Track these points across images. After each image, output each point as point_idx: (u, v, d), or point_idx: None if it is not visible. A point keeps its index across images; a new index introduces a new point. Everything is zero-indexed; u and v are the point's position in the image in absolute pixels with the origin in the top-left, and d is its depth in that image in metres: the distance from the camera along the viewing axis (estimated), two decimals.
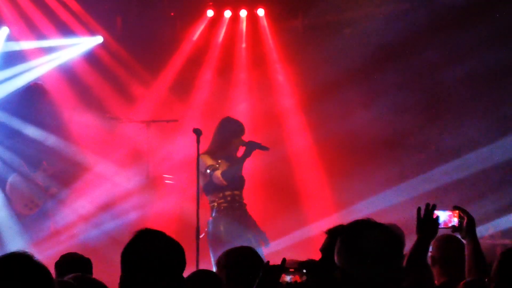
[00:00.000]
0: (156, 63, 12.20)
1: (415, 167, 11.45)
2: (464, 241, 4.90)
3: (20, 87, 11.00)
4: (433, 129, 11.60)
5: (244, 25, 12.39)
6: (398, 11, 11.71)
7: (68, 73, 11.82)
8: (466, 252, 4.84)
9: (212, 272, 4.88)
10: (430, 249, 5.26)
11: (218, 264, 5.04)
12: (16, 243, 9.76)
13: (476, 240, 4.79)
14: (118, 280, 3.72)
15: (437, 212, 4.55)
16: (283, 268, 4.06)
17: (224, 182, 8.94)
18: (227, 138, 9.06)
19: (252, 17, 12.35)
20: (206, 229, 8.95)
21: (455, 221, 4.75)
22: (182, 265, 3.68)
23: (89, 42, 11.96)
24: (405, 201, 10.50)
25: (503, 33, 10.95)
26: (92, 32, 11.95)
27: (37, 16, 11.59)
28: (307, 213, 11.37)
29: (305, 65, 11.99)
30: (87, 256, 5.51)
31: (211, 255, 8.77)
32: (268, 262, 4.17)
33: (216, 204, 9.03)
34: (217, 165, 8.94)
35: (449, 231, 4.91)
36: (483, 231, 10.11)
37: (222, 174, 8.90)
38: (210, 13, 12.32)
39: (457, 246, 5.39)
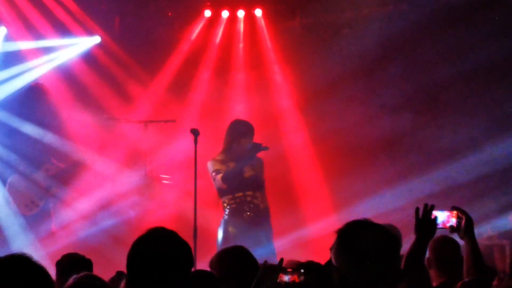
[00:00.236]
0: (154, 63, 12.19)
1: (413, 166, 11.45)
2: (461, 242, 4.90)
3: (21, 87, 10.99)
4: (432, 128, 11.60)
5: (241, 25, 12.39)
6: (396, 11, 11.71)
7: (66, 73, 11.81)
8: (464, 253, 4.84)
9: (209, 272, 4.87)
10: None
11: (210, 265, 5.03)
12: (18, 242, 9.76)
13: (474, 240, 4.78)
14: None
15: (435, 213, 4.55)
16: (280, 268, 4.06)
17: (224, 186, 9.01)
18: (236, 140, 9.13)
19: (250, 17, 12.35)
20: (217, 230, 9.04)
21: (453, 221, 4.75)
22: (190, 263, 3.68)
23: (87, 42, 11.95)
24: (402, 201, 10.50)
25: (501, 32, 10.95)
26: (90, 32, 11.95)
27: (35, 16, 11.59)
28: (304, 213, 11.37)
29: (303, 65, 12.00)
30: (86, 254, 5.51)
31: None
32: (266, 261, 4.17)
33: (226, 205, 9.11)
34: (222, 169, 9.01)
35: (446, 232, 4.91)
36: (481, 232, 10.11)
37: (222, 177, 8.98)
38: (207, 13, 12.32)
39: (453, 247, 5.39)
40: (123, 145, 11.58)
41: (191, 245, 8.16)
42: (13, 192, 10.10)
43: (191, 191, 8.54)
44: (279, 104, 12.22)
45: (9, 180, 10.09)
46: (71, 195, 10.53)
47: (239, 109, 12.01)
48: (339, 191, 11.34)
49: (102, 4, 12.03)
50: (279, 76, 12.28)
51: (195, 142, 8.58)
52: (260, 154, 9.23)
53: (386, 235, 3.69)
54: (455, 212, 4.77)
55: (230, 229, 8.98)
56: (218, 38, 12.37)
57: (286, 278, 4.05)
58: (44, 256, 8.66)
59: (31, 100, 10.16)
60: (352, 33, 11.91)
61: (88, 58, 11.97)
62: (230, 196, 9.10)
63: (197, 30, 12.36)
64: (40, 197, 10.05)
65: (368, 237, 3.66)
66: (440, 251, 5.52)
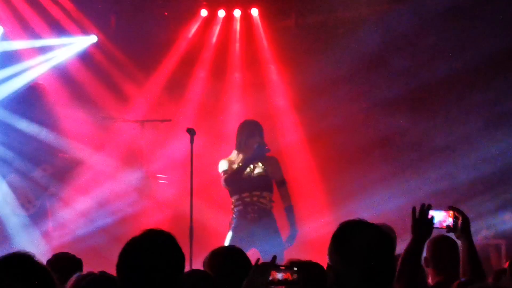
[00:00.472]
0: (150, 63, 12.19)
1: (408, 165, 11.46)
2: (458, 241, 4.90)
3: (19, 87, 10.97)
4: (427, 127, 11.61)
5: (238, 25, 12.38)
6: (391, 11, 11.71)
7: (61, 73, 11.79)
8: (461, 252, 4.84)
9: (205, 272, 4.86)
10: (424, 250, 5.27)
11: (203, 264, 5.03)
12: (20, 239, 9.76)
13: (471, 240, 4.78)
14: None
15: (432, 212, 4.55)
16: (273, 265, 4.05)
17: (226, 186, 9.07)
18: (244, 140, 9.14)
19: (246, 16, 12.35)
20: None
21: (450, 221, 4.74)
22: (181, 267, 3.68)
23: (83, 41, 11.94)
24: (398, 199, 10.50)
25: (497, 30, 10.96)
26: (85, 32, 11.94)
27: (31, 16, 11.57)
28: (300, 212, 11.34)
29: (299, 65, 12.00)
30: (83, 253, 5.50)
31: None
32: (258, 259, 4.16)
33: (233, 207, 9.15)
34: (228, 170, 9.04)
35: (443, 232, 4.90)
36: (477, 231, 10.12)
37: (224, 179, 9.02)
38: (204, 12, 12.32)
39: (450, 247, 5.39)
40: (119, 144, 11.58)
41: (187, 244, 8.22)
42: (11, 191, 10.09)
43: (187, 191, 8.54)
44: (275, 103, 12.22)
45: (6, 179, 10.08)
46: (68, 194, 10.52)
47: (235, 108, 12.02)
48: (335, 190, 11.35)
49: (98, 3, 12.01)
50: (275, 75, 12.29)
51: (191, 141, 8.58)
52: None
53: (380, 235, 3.69)
54: (451, 211, 4.76)
55: (235, 232, 9.00)
56: (214, 38, 12.37)
57: (279, 275, 4.03)
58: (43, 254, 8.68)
59: (30, 100, 10.15)
60: (348, 32, 11.92)
61: (84, 57, 11.96)
62: (237, 197, 9.11)
63: (193, 29, 12.36)
64: (37, 197, 10.03)
65: (363, 237, 3.65)
66: (438, 251, 5.52)
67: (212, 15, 12.34)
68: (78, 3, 11.74)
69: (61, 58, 11.79)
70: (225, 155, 9.36)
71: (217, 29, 12.39)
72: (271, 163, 9.27)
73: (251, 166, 9.09)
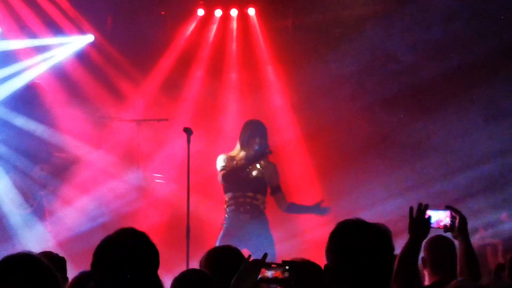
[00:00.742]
0: (147, 62, 12.18)
1: (406, 164, 11.46)
2: (455, 241, 4.90)
3: (17, 87, 10.96)
4: (424, 125, 11.61)
5: (234, 24, 12.38)
6: (388, 11, 11.72)
7: (58, 72, 11.78)
8: (458, 252, 4.84)
9: (202, 271, 4.85)
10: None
11: (200, 264, 5.02)
12: (25, 236, 9.77)
13: (468, 239, 4.79)
14: None
15: (429, 212, 4.55)
16: (263, 263, 4.04)
17: (223, 183, 9.08)
18: (246, 140, 9.16)
19: (243, 16, 12.34)
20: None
21: (447, 220, 4.75)
22: (155, 265, 3.68)
23: (80, 41, 11.93)
24: (396, 199, 10.51)
25: (495, 27, 10.97)
26: (82, 31, 11.92)
27: (28, 15, 11.55)
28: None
29: (296, 64, 12.00)
30: (80, 252, 5.48)
31: None
32: (250, 256, 4.15)
33: (226, 206, 9.20)
34: (227, 166, 9.06)
35: (440, 231, 4.91)
36: (474, 231, 10.12)
37: (223, 175, 9.03)
38: (200, 12, 12.31)
39: (447, 246, 5.39)
40: (116, 143, 11.57)
41: (184, 243, 8.21)
42: None
43: (184, 190, 8.53)
44: (271, 102, 12.21)
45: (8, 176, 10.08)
46: (66, 193, 10.52)
47: (232, 108, 12.01)
48: (332, 189, 11.34)
49: (94, 3, 11.99)
50: (272, 75, 12.28)
51: (188, 141, 8.58)
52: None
53: (378, 235, 3.68)
54: (449, 211, 4.77)
55: (228, 232, 9.01)
56: (211, 37, 12.36)
57: (268, 273, 4.02)
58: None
59: (27, 99, 10.14)
60: (345, 32, 11.91)
61: (81, 56, 11.95)
62: (230, 195, 9.13)
63: (190, 29, 12.35)
64: (34, 196, 10.02)
65: (360, 236, 3.65)
66: (435, 250, 5.52)
67: (209, 14, 12.33)
68: (74, 3, 11.72)
69: (58, 58, 11.78)
70: (222, 153, 9.36)
71: (213, 28, 12.38)
72: (270, 168, 9.31)
73: (249, 167, 9.11)
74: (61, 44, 11.84)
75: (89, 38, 11.97)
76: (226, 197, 9.18)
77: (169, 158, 11.46)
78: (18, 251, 3.25)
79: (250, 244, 8.67)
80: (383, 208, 10.49)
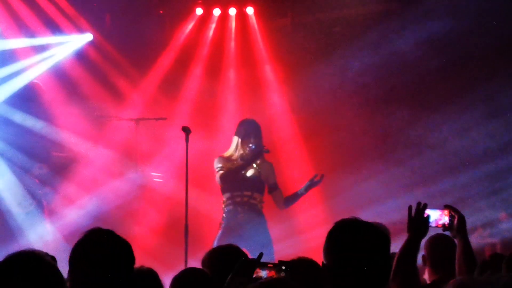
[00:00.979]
0: (145, 61, 12.18)
1: (405, 163, 11.47)
2: (455, 240, 4.90)
3: (17, 87, 10.96)
4: (423, 124, 11.61)
5: (233, 23, 12.37)
6: (387, 10, 11.72)
7: (56, 71, 11.77)
8: (457, 251, 4.85)
9: (201, 270, 4.85)
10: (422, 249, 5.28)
11: (202, 263, 5.02)
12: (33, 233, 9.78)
13: (466, 238, 4.79)
14: None
15: (428, 211, 4.56)
16: (258, 262, 4.04)
17: (221, 183, 9.09)
18: (241, 140, 9.17)
19: (241, 15, 12.34)
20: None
21: (445, 219, 4.75)
22: (130, 260, 3.70)
23: (79, 39, 11.92)
24: (394, 198, 10.52)
25: (493, 24, 10.98)
26: (81, 30, 11.92)
27: (26, 14, 11.54)
28: (296, 210, 11.35)
29: (294, 63, 12.00)
30: None
31: None
32: (245, 255, 4.15)
33: (224, 206, 9.21)
34: (224, 167, 9.07)
35: (439, 230, 4.91)
36: (472, 230, 10.13)
37: (220, 175, 9.04)
38: (199, 11, 12.31)
39: (447, 245, 5.39)
40: (115, 142, 11.57)
41: (183, 242, 8.21)
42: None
43: (183, 189, 8.54)
44: (270, 101, 12.21)
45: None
46: (64, 192, 10.52)
47: (231, 107, 12.02)
48: (330, 187, 11.34)
49: (93, 2, 11.99)
50: (271, 73, 12.28)
51: (187, 140, 8.58)
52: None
53: (375, 234, 3.68)
54: (447, 210, 4.77)
55: (225, 232, 9.02)
56: (209, 36, 12.36)
57: (263, 273, 4.02)
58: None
59: (26, 99, 10.15)
60: (343, 31, 11.92)
61: (79, 55, 11.95)
62: (228, 195, 9.15)
63: (188, 28, 12.35)
64: (33, 195, 10.03)
65: (357, 235, 3.64)
66: (435, 249, 5.53)
67: (207, 13, 12.33)
68: (73, 1, 11.72)
69: (58, 57, 11.77)
70: (220, 153, 9.38)
71: (212, 27, 12.38)
72: (266, 167, 9.33)
73: (247, 167, 9.13)
74: (59, 43, 11.83)
75: (88, 37, 11.96)
76: (224, 197, 9.21)
77: (167, 157, 11.46)
78: (21, 249, 3.25)
79: (248, 244, 8.67)
80: (382, 207, 10.49)
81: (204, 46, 12.34)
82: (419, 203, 4.54)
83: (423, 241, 4.64)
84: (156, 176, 11.67)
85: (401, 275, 4.31)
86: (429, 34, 11.35)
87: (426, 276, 5.60)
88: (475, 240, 10.12)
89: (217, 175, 9.11)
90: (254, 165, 9.20)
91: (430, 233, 4.69)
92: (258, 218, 9.17)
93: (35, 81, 10.66)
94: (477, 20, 10.93)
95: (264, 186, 9.31)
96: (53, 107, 10.88)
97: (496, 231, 10.59)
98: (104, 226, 3.96)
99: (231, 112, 11.82)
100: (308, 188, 9.31)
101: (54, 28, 11.74)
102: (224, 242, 8.16)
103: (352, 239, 3.63)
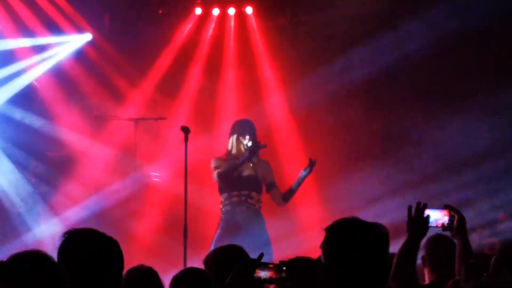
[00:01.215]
0: (144, 61, 12.18)
1: (405, 163, 11.47)
2: (454, 240, 4.90)
3: (17, 87, 10.98)
4: (424, 123, 11.61)
5: (232, 23, 12.37)
6: (386, 9, 11.72)
7: (55, 70, 11.78)
8: (456, 251, 4.84)
9: (201, 269, 4.85)
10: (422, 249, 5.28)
11: (205, 263, 5.02)
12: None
13: (466, 238, 4.79)
14: None
15: (427, 211, 4.55)
16: (258, 263, 4.03)
17: (219, 182, 9.09)
18: (236, 139, 9.17)
19: (240, 14, 12.33)
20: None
21: (445, 219, 4.75)
22: (118, 259, 3.69)
23: (78, 39, 11.92)
24: (394, 198, 10.52)
25: (493, 23, 10.99)
26: (80, 30, 11.92)
27: (26, 14, 11.54)
28: (295, 209, 11.35)
29: (293, 63, 11.99)
30: None
31: None
32: (246, 256, 4.15)
33: (222, 207, 9.23)
34: (221, 166, 9.07)
35: (439, 230, 4.91)
36: (472, 230, 10.12)
37: (218, 173, 9.05)
38: (198, 10, 12.30)
39: (447, 246, 5.39)
40: (114, 142, 11.57)
41: (181, 243, 8.20)
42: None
43: (182, 189, 8.54)
44: (269, 101, 12.21)
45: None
46: (62, 192, 10.52)
47: (230, 107, 12.02)
48: (329, 187, 11.36)
49: (92, 2, 11.99)
50: (270, 73, 12.27)
51: (186, 139, 8.57)
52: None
53: (374, 233, 3.68)
54: (447, 210, 4.77)
55: (224, 233, 9.02)
56: (208, 36, 12.35)
57: (262, 273, 4.02)
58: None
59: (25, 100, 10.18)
60: (342, 31, 11.90)
61: (78, 55, 11.95)
62: (226, 195, 9.16)
63: (187, 27, 12.34)
64: (29, 194, 10.04)
65: (355, 235, 3.64)
66: (434, 249, 5.52)
67: (206, 13, 12.33)
68: (72, 1, 11.72)
69: (57, 57, 11.77)
70: (219, 153, 9.39)
71: (211, 27, 12.37)
72: (263, 166, 9.34)
73: (246, 163, 9.12)
74: (59, 43, 11.83)
75: (87, 37, 11.96)
76: (222, 197, 9.22)
77: (166, 156, 11.46)
78: (24, 249, 3.25)
79: (247, 244, 8.64)
80: (382, 207, 10.49)
81: (203, 46, 12.33)
82: (419, 203, 4.53)
83: (423, 241, 4.64)
84: (155, 176, 11.67)
85: (401, 275, 4.31)
86: (429, 34, 11.35)
87: (426, 277, 5.59)
88: (475, 240, 10.12)
89: (214, 174, 9.12)
90: (251, 164, 9.21)
91: (430, 233, 4.68)
92: (256, 218, 9.17)
93: (34, 81, 10.67)
94: (479, 20, 10.93)
95: (262, 185, 9.31)
96: (53, 107, 10.89)
97: (496, 231, 10.59)
98: (104, 225, 3.96)
99: (230, 111, 11.82)
100: (302, 180, 9.30)
101: (53, 28, 11.74)
102: (222, 243, 8.16)
103: (351, 238, 3.63)
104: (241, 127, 9.26)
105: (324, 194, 11.52)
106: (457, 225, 4.76)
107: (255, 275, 4.00)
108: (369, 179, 11.36)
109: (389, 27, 11.46)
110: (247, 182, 9.17)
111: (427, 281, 5.55)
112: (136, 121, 10.92)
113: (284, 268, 4.00)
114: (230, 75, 12.27)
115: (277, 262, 4.13)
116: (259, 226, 9.17)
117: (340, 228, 3.69)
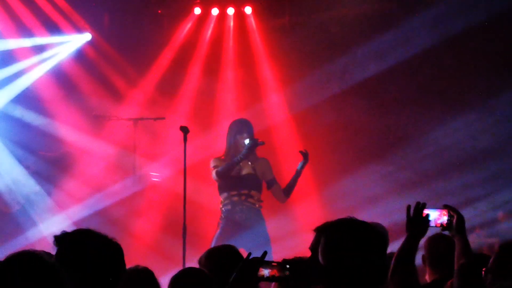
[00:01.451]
0: (144, 61, 12.18)
1: (405, 163, 11.47)
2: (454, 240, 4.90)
3: (17, 87, 10.98)
4: (424, 123, 11.61)
5: (231, 23, 12.37)
6: (385, 9, 11.73)
7: (54, 70, 11.78)
8: (456, 251, 4.84)
9: (200, 269, 4.85)
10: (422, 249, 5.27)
11: (199, 263, 5.02)
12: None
13: (465, 238, 4.78)
14: None
15: (426, 211, 4.55)
16: (262, 261, 4.04)
17: (218, 180, 9.09)
18: (234, 139, 9.17)
19: (239, 15, 12.34)
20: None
21: (444, 219, 4.74)
22: (118, 260, 3.70)
23: (78, 39, 11.92)
24: (393, 198, 10.53)
25: (494, 22, 10.99)
26: (79, 30, 11.92)
27: (25, 14, 11.54)
28: (295, 209, 11.37)
29: (292, 63, 12.00)
30: None
31: None
32: (249, 254, 4.15)
33: (221, 206, 9.23)
34: (220, 165, 9.06)
35: (438, 230, 4.90)
36: (471, 230, 10.12)
37: (216, 172, 9.04)
38: (197, 10, 12.31)
39: (447, 245, 5.39)
40: (113, 142, 11.57)
41: (181, 242, 8.20)
42: None
43: (181, 189, 8.54)
44: (268, 101, 12.21)
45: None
46: (59, 191, 10.52)
47: (229, 106, 12.02)
48: (328, 187, 11.36)
49: (91, 1, 11.99)
50: (269, 73, 12.28)
51: (185, 139, 8.58)
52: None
53: (372, 233, 3.67)
54: (446, 210, 4.76)
55: (224, 232, 9.02)
56: (207, 36, 12.36)
57: (265, 272, 4.02)
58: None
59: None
60: (341, 31, 11.91)
61: (77, 55, 11.95)
62: (225, 195, 9.16)
63: (186, 27, 12.35)
64: (21, 194, 10.04)
65: (354, 235, 3.64)
66: (434, 249, 5.53)
67: (206, 13, 12.33)
68: (71, 1, 11.72)
69: (58, 57, 11.77)
70: (219, 153, 9.39)
71: (210, 27, 12.38)
72: (261, 163, 9.34)
73: (240, 165, 9.12)
74: (58, 43, 11.83)
75: (86, 36, 11.96)
76: (221, 197, 9.22)
77: (166, 156, 11.46)
78: (21, 250, 3.24)
79: (247, 243, 8.67)
80: (381, 207, 10.49)
81: (202, 46, 12.34)
82: (418, 203, 4.53)
83: (423, 241, 4.64)
84: (154, 176, 11.67)
85: (400, 274, 4.31)
86: (429, 34, 11.36)
87: (426, 276, 5.59)
88: (473, 240, 10.12)
89: (213, 173, 9.12)
90: (249, 163, 9.20)
91: (429, 232, 4.68)
92: (256, 217, 9.17)
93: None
94: (479, 20, 10.93)
95: (261, 183, 9.31)
96: (52, 107, 10.89)
97: (494, 231, 10.59)
98: (104, 224, 3.95)
99: (229, 111, 11.82)
100: (299, 172, 9.31)
101: (52, 28, 11.74)
102: (222, 242, 8.19)
103: (348, 238, 3.62)
104: (239, 127, 9.26)
105: (324, 194, 11.53)
106: (456, 224, 4.76)
107: (258, 273, 4.01)
108: (369, 179, 11.37)
109: (389, 27, 11.46)
110: (247, 181, 9.17)
111: (428, 280, 5.55)
112: (136, 120, 10.92)
113: (288, 267, 4.00)
114: (229, 75, 12.28)
115: (263, 255, 4.13)
116: (259, 225, 9.17)
117: (337, 228, 3.69)
